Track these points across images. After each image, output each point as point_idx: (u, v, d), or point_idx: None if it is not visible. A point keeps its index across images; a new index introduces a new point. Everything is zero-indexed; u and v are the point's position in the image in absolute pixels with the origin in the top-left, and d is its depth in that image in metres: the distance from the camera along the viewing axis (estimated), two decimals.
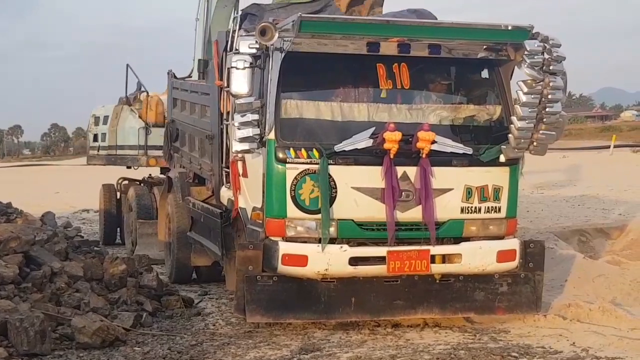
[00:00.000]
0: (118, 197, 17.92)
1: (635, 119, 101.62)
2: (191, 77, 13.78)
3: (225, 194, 10.17)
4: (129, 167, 18.00)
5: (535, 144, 8.61)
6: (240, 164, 9.28)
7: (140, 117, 17.45)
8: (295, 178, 8.42)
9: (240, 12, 10.32)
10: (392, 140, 8.32)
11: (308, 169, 8.41)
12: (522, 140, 8.53)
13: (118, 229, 18.07)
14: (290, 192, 8.42)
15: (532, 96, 8.32)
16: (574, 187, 23.67)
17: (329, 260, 8.40)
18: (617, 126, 75.61)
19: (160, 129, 17.05)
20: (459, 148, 8.71)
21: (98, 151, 18.94)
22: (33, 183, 38.66)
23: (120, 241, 17.77)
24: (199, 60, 13.31)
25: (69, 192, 32.06)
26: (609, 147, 41.53)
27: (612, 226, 14.89)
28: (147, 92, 17.91)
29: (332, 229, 8.43)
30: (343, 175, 8.45)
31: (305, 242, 8.49)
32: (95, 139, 18.88)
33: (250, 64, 8.16)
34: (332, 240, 8.46)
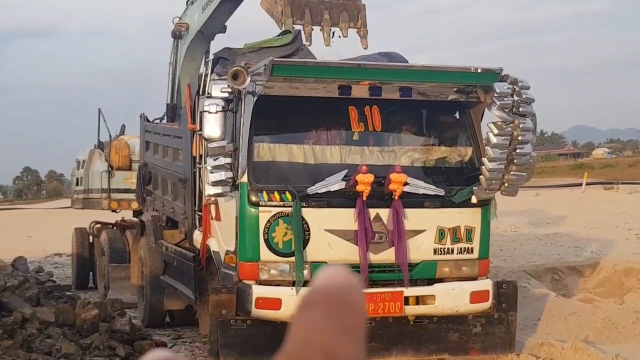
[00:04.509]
0: (91, 240, 17.79)
1: (607, 156, 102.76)
2: (164, 119, 13.82)
3: (199, 237, 10.13)
4: (114, 211, 17.89)
5: (506, 184, 8.69)
6: (213, 207, 9.28)
7: (107, 160, 17.45)
8: (269, 221, 8.42)
9: (212, 57, 10.36)
10: (364, 182, 8.35)
11: (281, 212, 8.42)
12: (493, 182, 8.59)
13: (91, 272, 17.94)
14: (264, 235, 8.41)
15: (503, 138, 8.41)
16: (546, 225, 23.77)
17: None
18: (589, 163, 76.35)
19: (124, 173, 17.08)
20: (431, 189, 8.76)
21: (77, 195, 18.92)
22: (5, 227, 38.30)
23: (93, 285, 17.63)
24: (167, 104, 13.36)
25: (41, 236, 31.79)
26: (581, 184, 41.80)
27: (585, 264, 14.96)
28: (119, 135, 17.93)
29: (305, 272, 8.41)
30: (316, 217, 8.47)
31: (278, 285, 8.48)
32: (78, 183, 18.86)
33: (223, 107, 8.21)
34: (306, 283, 8.43)
